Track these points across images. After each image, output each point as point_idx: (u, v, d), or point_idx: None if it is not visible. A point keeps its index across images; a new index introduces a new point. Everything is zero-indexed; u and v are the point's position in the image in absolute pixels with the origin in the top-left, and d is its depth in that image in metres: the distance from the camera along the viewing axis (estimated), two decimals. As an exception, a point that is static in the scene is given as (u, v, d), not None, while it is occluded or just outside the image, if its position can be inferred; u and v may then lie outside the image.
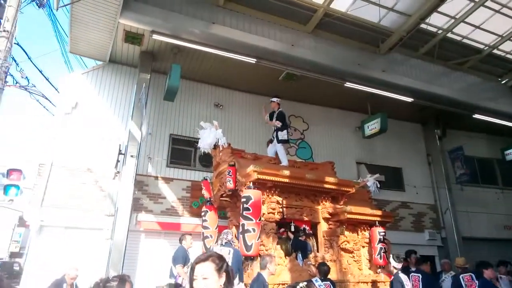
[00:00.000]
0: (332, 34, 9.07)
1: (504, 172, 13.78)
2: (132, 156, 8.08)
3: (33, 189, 8.00)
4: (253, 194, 5.38)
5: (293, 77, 9.86)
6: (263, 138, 9.51)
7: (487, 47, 10.12)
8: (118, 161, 8.26)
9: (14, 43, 5.74)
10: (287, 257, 5.84)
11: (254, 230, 5.23)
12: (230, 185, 6.05)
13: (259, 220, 5.39)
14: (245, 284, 5.22)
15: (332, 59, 9.00)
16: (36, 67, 8.76)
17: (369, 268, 6.45)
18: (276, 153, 7.39)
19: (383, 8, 8.43)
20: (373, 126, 10.55)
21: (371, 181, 7.58)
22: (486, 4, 8.47)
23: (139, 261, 8.22)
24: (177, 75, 8.14)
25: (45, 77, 8.94)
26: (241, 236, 5.34)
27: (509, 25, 9.31)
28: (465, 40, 9.88)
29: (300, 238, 6.37)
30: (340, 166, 8.52)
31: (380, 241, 6.34)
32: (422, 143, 13.19)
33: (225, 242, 5.37)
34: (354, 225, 6.56)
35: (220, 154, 6.75)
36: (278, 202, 5.94)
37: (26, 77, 6.99)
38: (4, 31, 5.25)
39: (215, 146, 6.75)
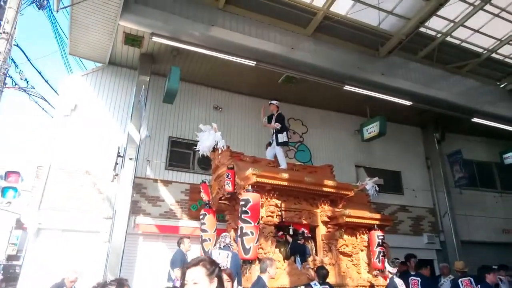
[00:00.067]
0: (331, 37, 9.09)
1: (503, 175, 13.80)
2: (130, 158, 8.06)
3: (31, 192, 7.96)
4: (251, 197, 5.37)
5: (293, 80, 9.88)
6: (262, 141, 9.50)
7: (486, 51, 10.16)
8: (116, 163, 8.24)
9: (14, 45, 5.73)
10: (285, 260, 5.82)
11: (252, 233, 5.22)
12: (228, 188, 6.04)
13: (258, 223, 5.37)
14: (243, 288, 5.20)
15: (331, 62, 9.02)
16: (36, 69, 8.80)
17: (368, 272, 6.43)
18: (275, 156, 7.39)
19: (382, 11, 8.46)
20: (372, 129, 10.56)
21: (370, 184, 7.57)
22: (485, 8, 8.50)
23: (137, 264, 8.18)
24: (176, 78, 8.14)
25: (44, 79, 8.95)
26: (239, 239, 5.33)
27: (508, 29, 9.35)
28: (464, 44, 9.91)
29: (298, 241, 6.35)
30: (339, 169, 8.50)
31: (378, 245, 6.33)
32: (421, 147, 13.21)
33: (224, 246, 5.36)
34: (353, 229, 6.54)
35: (219, 157, 6.75)
36: (276, 205, 5.93)
37: (26, 79, 6.99)
38: (4, 32, 5.24)
39: (214, 149, 6.75)
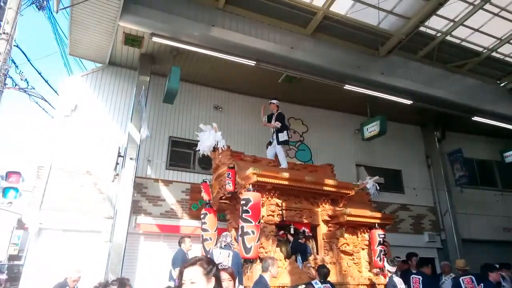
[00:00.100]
0: (331, 37, 9.09)
1: (503, 174, 13.80)
2: (131, 158, 8.07)
3: (32, 192, 7.98)
4: (252, 196, 5.38)
5: (293, 79, 9.89)
6: (263, 141, 9.51)
7: (486, 50, 10.15)
8: (117, 163, 8.25)
9: (14, 46, 5.75)
10: (286, 259, 5.83)
11: (253, 232, 5.23)
12: (229, 187, 6.05)
13: (259, 222, 5.39)
14: (245, 287, 5.21)
15: (331, 62, 9.02)
16: (36, 70, 8.88)
17: (369, 271, 6.44)
18: (276, 155, 7.40)
19: (382, 11, 8.45)
20: (372, 128, 10.56)
21: (370, 183, 7.59)
22: (485, 7, 8.50)
23: (138, 264, 8.20)
24: (176, 78, 8.15)
25: (44, 79, 8.98)
26: (240, 238, 5.34)
27: (508, 28, 9.34)
28: (464, 43, 9.91)
29: (299, 240, 6.36)
30: (339, 169, 8.52)
31: (379, 243, 6.34)
32: (422, 145, 13.21)
33: (225, 245, 5.36)
34: (354, 228, 6.56)
35: (220, 156, 6.76)
36: (277, 205, 5.94)
37: (26, 80, 7.01)
38: (4, 33, 5.26)
39: (215, 149, 6.76)
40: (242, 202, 5.42)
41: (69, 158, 8.34)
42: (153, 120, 9.37)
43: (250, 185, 5.56)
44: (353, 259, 6.34)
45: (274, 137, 7.43)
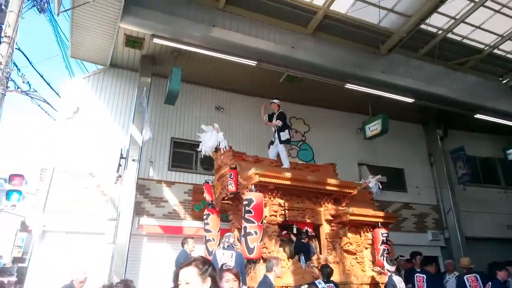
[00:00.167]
0: (332, 35, 9.08)
1: (506, 171, 13.75)
2: (133, 160, 8.09)
3: (36, 194, 8.00)
4: (255, 196, 5.38)
5: (294, 79, 9.88)
6: (264, 141, 9.49)
7: (487, 47, 10.12)
8: (119, 165, 8.27)
9: (16, 48, 5.77)
10: (290, 259, 5.83)
11: (256, 232, 5.23)
12: (231, 188, 6.05)
13: (261, 222, 5.38)
14: (248, 287, 5.21)
15: (332, 61, 9.01)
16: (38, 72, 8.85)
17: (373, 270, 6.42)
18: (278, 155, 7.39)
19: (383, 9, 8.44)
20: (374, 127, 10.54)
21: (373, 182, 7.56)
22: (486, 4, 8.47)
23: (142, 265, 8.22)
24: (177, 79, 8.16)
25: (46, 82, 8.98)
26: (243, 239, 5.34)
27: (510, 25, 9.31)
28: (465, 40, 9.88)
29: (302, 240, 6.34)
30: (341, 168, 8.51)
31: (383, 242, 6.32)
32: (424, 144, 13.18)
33: (228, 245, 5.36)
34: (357, 227, 6.54)
35: (222, 157, 6.76)
36: (280, 205, 5.93)
37: (28, 82, 7.02)
38: (6, 36, 5.28)
39: (217, 149, 6.76)
40: (245, 202, 5.42)
41: (71, 160, 8.36)
42: (155, 121, 9.39)
43: (253, 186, 5.56)
44: (356, 258, 6.33)
45: (276, 136, 7.43)
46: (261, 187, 5.67)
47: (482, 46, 10.13)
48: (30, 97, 7.37)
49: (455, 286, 6.70)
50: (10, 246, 20.46)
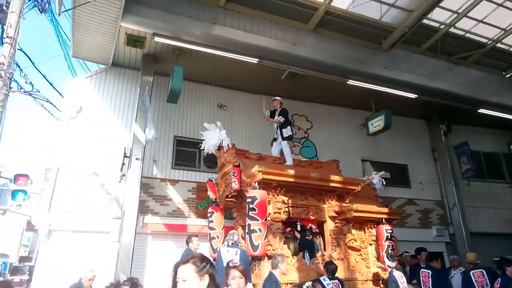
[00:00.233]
0: (333, 32, 9.04)
1: (511, 166, 13.67)
2: (137, 159, 8.11)
3: (41, 194, 8.06)
4: (258, 194, 5.39)
5: (296, 76, 9.86)
6: (267, 138, 9.51)
7: (490, 41, 10.03)
8: (123, 164, 8.30)
9: (18, 49, 5.79)
10: (294, 256, 5.84)
11: (260, 230, 5.23)
12: (235, 185, 6.05)
13: (265, 220, 5.39)
14: (253, 284, 5.22)
15: (334, 57, 8.98)
16: (40, 73, 8.83)
17: (379, 267, 6.41)
18: (281, 152, 7.39)
19: (384, 4, 8.39)
20: (377, 123, 10.50)
21: (376, 178, 7.54)
22: (488, -3, 8.41)
23: (147, 263, 8.26)
24: (179, 77, 8.16)
25: (49, 82, 9.06)
26: (247, 236, 5.35)
27: (513, 18, 9.23)
28: (468, 35, 9.80)
29: (307, 237, 6.36)
30: (345, 164, 8.48)
31: (387, 239, 6.31)
32: (427, 139, 13.13)
33: (232, 243, 5.38)
34: (361, 223, 6.53)
35: (225, 155, 6.76)
36: (283, 202, 5.94)
37: (31, 83, 7.05)
38: (8, 37, 5.29)
39: (220, 147, 6.76)
40: (248, 200, 5.42)
41: (75, 160, 8.40)
42: (158, 120, 9.40)
43: (256, 183, 5.56)
44: (361, 254, 6.32)
45: (278, 132, 7.43)
46: (265, 185, 5.67)
47: (485, 40, 10.05)
48: (33, 97, 7.41)
49: (460, 281, 6.68)
50: (16, 245, 20.63)
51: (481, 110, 10.91)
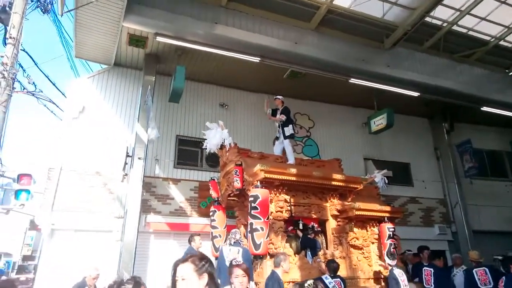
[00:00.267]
0: (335, 30, 9.03)
1: (514, 164, 13.64)
2: (139, 158, 8.14)
3: (44, 193, 8.10)
4: (260, 193, 5.39)
5: (298, 74, 9.85)
6: (269, 137, 9.51)
7: (493, 39, 9.99)
8: (125, 163, 8.33)
9: (21, 50, 5.82)
10: (296, 255, 5.84)
11: (262, 229, 5.24)
12: (237, 184, 6.06)
13: (267, 218, 5.39)
14: (255, 283, 5.23)
15: (336, 56, 8.97)
16: (43, 73, 8.96)
17: (380, 265, 6.42)
18: (283, 151, 7.39)
19: (386, 2, 8.37)
20: (379, 121, 10.49)
21: (379, 177, 7.53)
22: (491, -5, 8.37)
23: (149, 262, 8.29)
24: (181, 77, 8.18)
25: (52, 82, 9.07)
26: (249, 235, 5.36)
27: (516, 15, 9.18)
28: (471, 32, 9.76)
29: (309, 235, 6.36)
30: (347, 163, 8.48)
31: (389, 237, 6.29)
32: (430, 137, 13.10)
33: (234, 242, 5.40)
34: (363, 222, 6.52)
35: (227, 154, 6.77)
36: (286, 201, 5.94)
37: (33, 83, 7.09)
38: (11, 37, 5.33)
39: (222, 146, 6.77)
40: (251, 199, 5.43)
41: (78, 160, 8.44)
42: (160, 119, 9.43)
43: (258, 182, 5.57)
44: (363, 253, 6.31)
45: (280, 131, 7.44)
46: (267, 183, 5.67)
47: (488, 38, 10.01)
48: (36, 97, 7.46)
49: (463, 280, 6.67)
50: (19, 244, 20.75)
51: (484, 108, 10.87)
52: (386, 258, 5.62)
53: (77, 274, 5.62)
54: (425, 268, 6.59)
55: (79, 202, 8.15)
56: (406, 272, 6.71)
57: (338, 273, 5.35)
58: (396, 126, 10.53)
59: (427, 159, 12.66)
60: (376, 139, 11.70)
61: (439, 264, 6.94)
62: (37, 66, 8.36)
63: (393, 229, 6.40)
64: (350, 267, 6.11)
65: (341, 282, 5.19)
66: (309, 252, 6.18)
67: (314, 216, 6.37)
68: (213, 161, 9.23)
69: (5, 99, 5.12)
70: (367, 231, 6.53)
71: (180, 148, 9.61)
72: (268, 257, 5.42)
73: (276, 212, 5.79)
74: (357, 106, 11.94)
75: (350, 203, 6.41)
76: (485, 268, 6.11)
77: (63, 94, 9.43)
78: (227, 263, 5.10)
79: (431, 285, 6.33)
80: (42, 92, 7.54)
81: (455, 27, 9.47)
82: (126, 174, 8.41)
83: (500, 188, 13.04)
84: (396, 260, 5.63)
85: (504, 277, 5.57)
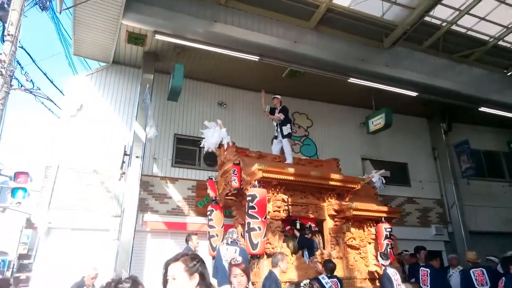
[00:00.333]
0: (335, 29, 9.01)
1: (511, 165, 13.66)
2: (137, 156, 8.12)
3: (41, 192, 8.07)
4: (258, 192, 5.39)
5: (297, 73, 9.84)
6: (267, 136, 9.50)
7: (492, 39, 9.99)
8: (123, 162, 8.31)
9: (19, 47, 5.78)
10: (293, 254, 5.84)
11: (259, 228, 5.24)
12: (235, 184, 6.05)
13: (265, 218, 5.39)
14: (252, 283, 5.23)
15: (335, 55, 8.96)
16: (41, 70, 8.87)
17: (376, 265, 6.43)
18: (281, 150, 7.39)
19: (386, 1, 8.35)
20: (377, 121, 10.49)
21: (376, 177, 7.55)
22: (490, -5, 8.36)
23: (146, 261, 8.28)
24: (180, 75, 8.15)
25: (49, 79, 9.06)
26: (247, 234, 5.35)
27: (515, 16, 9.18)
28: (470, 32, 9.76)
29: (306, 235, 6.36)
30: (345, 163, 8.48)
31: (386, 237, 6.31)
32: (428, 138, 13.12)
33: (231, 241, 5.39)
34: (360, 222, 6.53)
35: (225, 153, 6.76)
36: (283, 200, 5.93)
37: (31, 80, 7.05)
38: (9, 35, 5.29)
39: (220, 145, 6.76)
40: (248, 198, 5.42)
41: (76, 158, 8.41)
42: (158, 117, 9.40)
43: (256, 181, 5.56)
44: (360, 253, 6.32)
45: (279, 130, 7.43)
46: (265, 183, 5.67)
47: (487, 38, 10.01)
48: (34, 95, 7.42)
49: (459, 280, 6.69)
50: (15, 243, 20.65)
51: (482, 109, 10.89)
52: (379, 258, 5.63)
53: (73, 272, 5.62)
54: (421, 268, 6.59)
55: (76, 201, 8.12)
56: (402, 272, 6.74)
57: (335, 273, 5.35)
58: (394, 126, 10.54)
59: (425, 159, 12.69)
60: (374, 139, 11.71)
61: (436, 265, 6.95)
62: (35, 64, 8.34)
63: (390, 229, 6.42)
64: (347, 267, 6.12)
65: (338, 282, 5.19)
66: (306, 252, 6.18)
67: (312, 216, 6.37)
68: (211, 160, 9.21)
69: (2, 97, 5.08)
70: (364, 231, 6.54)
71: (178, 146, 9.59)
72: (265, 256, 5.41)
73: (274, 211, 5.78)
74: (356, 106, 11.93)
75: (347, 203, 6.41)
76: (483, 269, 6.12)
77: (61, 92, 9.40)
78: (224, 263, 5.10)
79: (428, 285, 6.33)
80: (40, 89, 7.52)
81: (454, 27, 9.46)
82: (123, 173, 8.38)
83: (497, 189, 13.08)
84: (389, 260, 5.64)
85: (503, 278, 5.58)
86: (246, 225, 5.42)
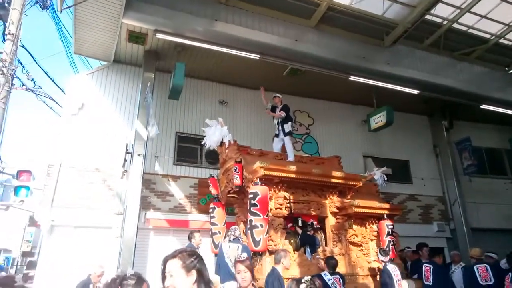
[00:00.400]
0: (336, 28, 9.01)
1: (513, 162, 13.67)
2: (139, 155, 8.14)
3: (43, 190, 8.11)
4: (260, 190, 5.40)
5: (298, 72, 9.84)
6: (269, 134, 9.52)
7: (493, 37, 9.98)
8: (125, 160, 8.33)
9: (20, 46, 5.79)
10: (295, 251, 5.87)
11: (262, 225, 5.26)
12: (237, 181, 6.07)
13: (267, 215, 5.41)
14: (254, 279, 5.25)
15: (336, 53, 8.96)
16: (42, 69, 8.96)
17: (376, 261, 6.44)
18: (283, 148, 7.41)
19: (387, 0, 8.34)
20: (379, 119, 10.49)
21: (378, 174, 7.56)
22: (491, -8, 8.35)
23: (149, 258, 8.31)
24: (181, 74, 8.17)
25: (51, 78, 9.08)
26: (249, 231, 5.37)
27: (516, 13, 9.16)
28: (471, 30, 9.75)
29: (308, 232, 6.39)
30: (346, 160, 8.50)
31: (388, 234, 6.33)
32: (429, 135, 13.12)
33: (233, 238, 5.41)
34: (362, 219, 6.54)
35: (226, 151, 6.78)
36: (285, 198, 5.95)
37: (32, 79, 7.06)
38: (10, 34, 5.30)
39: (221, 143, 6.78)
40: (250, 195, 5.44)
41: (78, 156, 8.44)
42: (159, 116, 9.42)
43: (258, 179, 5.57)
44: (362, 250, 6.34)
45: (280, 128, 7.45)
46: (266, 181, 5.68)
47: (488, 36, 10.00)
48: (35, 94, 7.42)
49: (461, 276, 6.70)
50: (19, 240, 20.75)
51: (484, 106, 10.88)
52: (378, 254, 5.66)
53: (76, 270, 5.65)
54: (424, 264, 6.61)
55: (78, 199, 8.16)
56: (405, 269, 6.76)
57: (337, 270, 5.37)
58: (396, 123, 10.54)
59: (426, 157, 12.69)
60: (375, 137, 11.71)
61: (438, 261, 6.97)
62: (36, 63, 8.34)
63: (392, 226, 6.43)
64: (349, 264, 6.14)
65: (340, 279, 5.21)
66: (308, 249, 6.21)
67: (314, 213, 6.39)
68: (213, 158, 9.24)
69: (4, 96, 5.10)
70: (366, 228, 6.56)
71: (179, 145, 9.61)
72: (268, 253, 5.44)
73: (276, 209, 5.80)
74: (357, 104, 11.94)
75: (349, 200, 6.42)
76: (486, 265, 6.13)
77: (62, 91, 9.43)
78: (227, 260, 5.13)
79: (430, 282, 6.36)
80: (41, 88, 7.50)
81: (455, 25, 9.45)
82: (125, 171, 8.41)
83: (499, 186, 13.08)
84: (388, 256, 5.66)
85: (510, 273, 5.60)
86: (248, 223, 5.44)
